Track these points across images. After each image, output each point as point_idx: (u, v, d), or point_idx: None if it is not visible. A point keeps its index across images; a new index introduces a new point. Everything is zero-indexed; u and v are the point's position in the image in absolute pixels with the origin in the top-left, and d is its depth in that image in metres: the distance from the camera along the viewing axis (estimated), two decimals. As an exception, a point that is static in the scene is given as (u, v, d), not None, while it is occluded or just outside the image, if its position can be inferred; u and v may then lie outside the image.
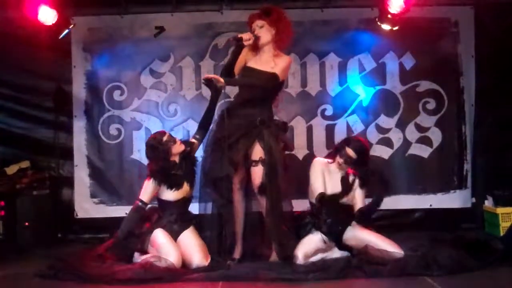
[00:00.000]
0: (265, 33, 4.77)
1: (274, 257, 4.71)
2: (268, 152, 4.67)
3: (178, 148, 4.82)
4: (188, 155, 4.88)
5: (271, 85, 4.77)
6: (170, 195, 4.81)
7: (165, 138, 4.79)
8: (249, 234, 4.86)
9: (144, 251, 4.70)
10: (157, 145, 4.77)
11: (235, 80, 4.85)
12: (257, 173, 4.70)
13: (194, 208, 5.00)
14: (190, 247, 4.69)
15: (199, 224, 4.91)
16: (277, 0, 5.53)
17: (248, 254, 4.85)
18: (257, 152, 4.71)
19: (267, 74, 4.73)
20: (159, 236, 4.68)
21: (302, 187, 5.01)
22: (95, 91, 6.21)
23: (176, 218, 4.80)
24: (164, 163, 4.76)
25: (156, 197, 4.88)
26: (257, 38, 4.75)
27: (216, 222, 4.81)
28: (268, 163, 4.66)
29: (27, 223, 5.62)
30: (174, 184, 4.79)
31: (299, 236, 4.74)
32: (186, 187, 4.84)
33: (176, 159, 4.83)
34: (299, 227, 4.80)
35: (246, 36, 4.72)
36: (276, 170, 4.67)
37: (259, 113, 4.75)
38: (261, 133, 4.71)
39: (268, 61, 4.79)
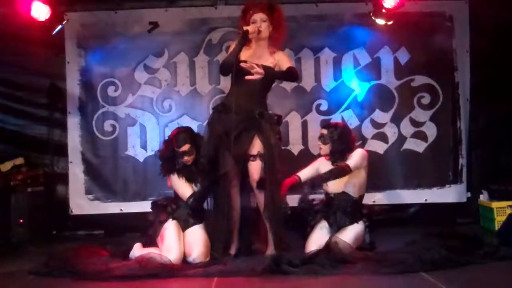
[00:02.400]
0: (265, 29, 4.75)
1: (269, 251, 4.70)
2: (268, 146, 4.65)
3: (188, 160, 4.79)
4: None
5: (297, 78, 5.01)
6: None
7: (183, 149, 4.74)
8: (244, 229, 4.85)
9: (153, 240, 4.72)
10: (173, 149, 4.78)
11: (273, 72, 4.74)
12: (256, 168, 4.67)
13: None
14: (195, 241, 4.70)
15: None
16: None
17: (244, 250, 4.84)
18: (256, 146, 4.69)
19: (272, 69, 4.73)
20: (169, 229, 4.68)
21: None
22: (89, 87, 6.19)
23: (192, 211, 4.80)
24: (173, 164, 4.82)
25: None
26: (259, 31, 4.71)
27: (220, 218, 4.76)
28: (267, 157, 4.63)
29: (21, 220, 5.60)
30: (189, 178, 4.79)
31: (307, 222, 4.79)
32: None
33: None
34: (309, 214, 4.85)
35: (251, 29, 4.67)
36: (274, 163, 4.65)
37: (257, 106, 4.72)
38: (260, 127, 4.69)
39: (266, 57, 4.77)
